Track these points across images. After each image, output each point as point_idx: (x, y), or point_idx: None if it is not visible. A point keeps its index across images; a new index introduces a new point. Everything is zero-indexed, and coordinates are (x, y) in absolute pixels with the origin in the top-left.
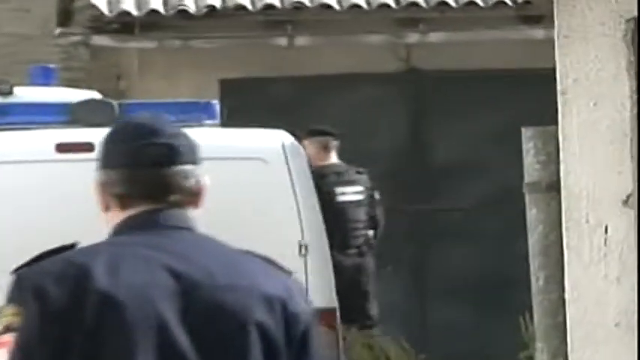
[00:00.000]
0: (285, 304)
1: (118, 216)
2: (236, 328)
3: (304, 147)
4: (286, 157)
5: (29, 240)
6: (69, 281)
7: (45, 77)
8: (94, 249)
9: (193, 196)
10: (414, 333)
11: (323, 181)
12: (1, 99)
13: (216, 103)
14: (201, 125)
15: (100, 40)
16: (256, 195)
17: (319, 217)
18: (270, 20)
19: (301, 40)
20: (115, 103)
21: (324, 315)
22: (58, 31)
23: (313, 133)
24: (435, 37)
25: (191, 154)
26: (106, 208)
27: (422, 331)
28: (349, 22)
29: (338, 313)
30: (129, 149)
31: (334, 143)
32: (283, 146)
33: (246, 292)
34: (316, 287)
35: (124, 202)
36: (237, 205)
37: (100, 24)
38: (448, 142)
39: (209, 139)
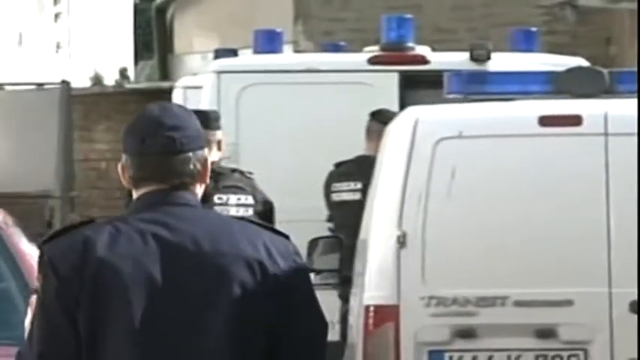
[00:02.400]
0: (263, 264)
1: (134, 194)
2: (217, 287)
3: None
4: None
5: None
6: (74, 253)
7: (526, 42)
8: (102, 224)
9: (194, 178)
10: None
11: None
12: (477, 66)
13: None
14: None
15: (588, 0)
16: None
17: None
18: None
19: None
20: (604, 71)
21: None
22: None
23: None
24: None
25: (192, 143)
26: (128, 186)
27: None
28: None
29: None
30: (138, 139)
31: None
32: None
33: (227, 256)
34: None
35: (135, 183)
36: None
37: None
38: None
39: None
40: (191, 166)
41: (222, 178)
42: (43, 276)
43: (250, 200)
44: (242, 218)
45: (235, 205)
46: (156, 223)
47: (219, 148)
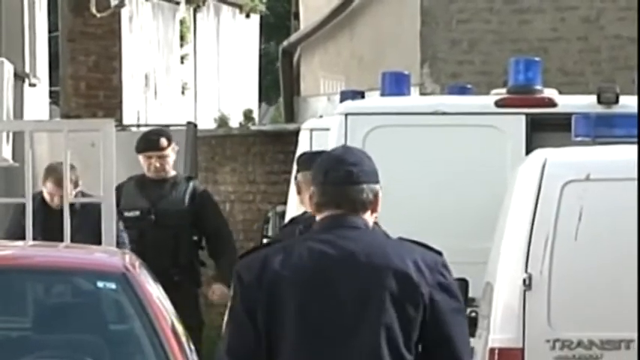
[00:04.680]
0: (410, 277)
1: (317, 217)
2: (368, 295)
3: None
4: None
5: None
6: (256, 266)
7: None
8: (281, 245)
9: (366, 205)
10: None
11: None
12: (604, 109)
13: None
14: None
15: None
16: None
17: None
18: None
19: None
20: None
21: None
22: None
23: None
24: None
25: (366, 177)
26: (313, 212)
27: None
28: None
29: None
30: (322, 172)
31: None
32: None
33: (379, 269)
34: None
35: (318, 208)
36: None
37: None
38: None
39: None
40: (364, 195)
41: None
42: (234, 284)
43: None
44: (402, 238)
45: None
46: (323, 241)
47: None
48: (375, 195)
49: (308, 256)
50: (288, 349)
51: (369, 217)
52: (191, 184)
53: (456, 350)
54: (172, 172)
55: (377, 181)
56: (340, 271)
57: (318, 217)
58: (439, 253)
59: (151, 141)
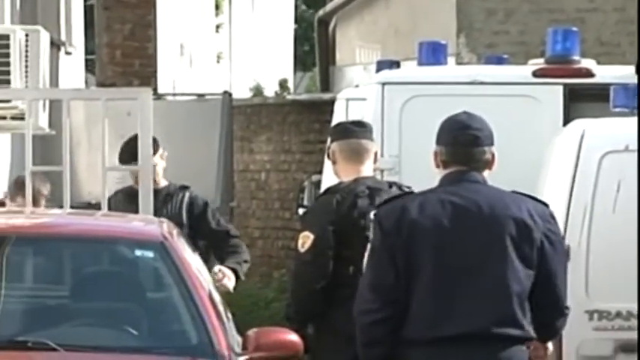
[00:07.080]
0: (526, 223)
1: (442, 173)
2: (493, 238)
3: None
4: None
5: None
6: (394, 214)
7: None
8: (416, 195)
9: (486, 164)
10: None
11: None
12: None
13: None
14: None
15: None
16: None
17: None
18: None
19: None
20: None
21: None
22: None
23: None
24: None
25: (487, 140)
26: (437, 167)
27: None
28: None
29: None
30: (451, 135)
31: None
32: None
33: (501, 217)
34: None
35: (445, 164)
36: None
37: None
38: None
39: None
40: (485, 156)
41: (378, 194)
42: (374, 229)
43: None
44: (514, 191)
45: None
46: (452, 193)
47: (375, 160)
48: (493, 155)
49: (441, 206)
50: (424, 287)
51: (486, 174)
52: (187, 194)
53: (557, 289)
54: (164, 182)
55: (493, 143)
56: (468, 219)
57: (444, 172)
58: (546, 205)
59: (135, 153)
